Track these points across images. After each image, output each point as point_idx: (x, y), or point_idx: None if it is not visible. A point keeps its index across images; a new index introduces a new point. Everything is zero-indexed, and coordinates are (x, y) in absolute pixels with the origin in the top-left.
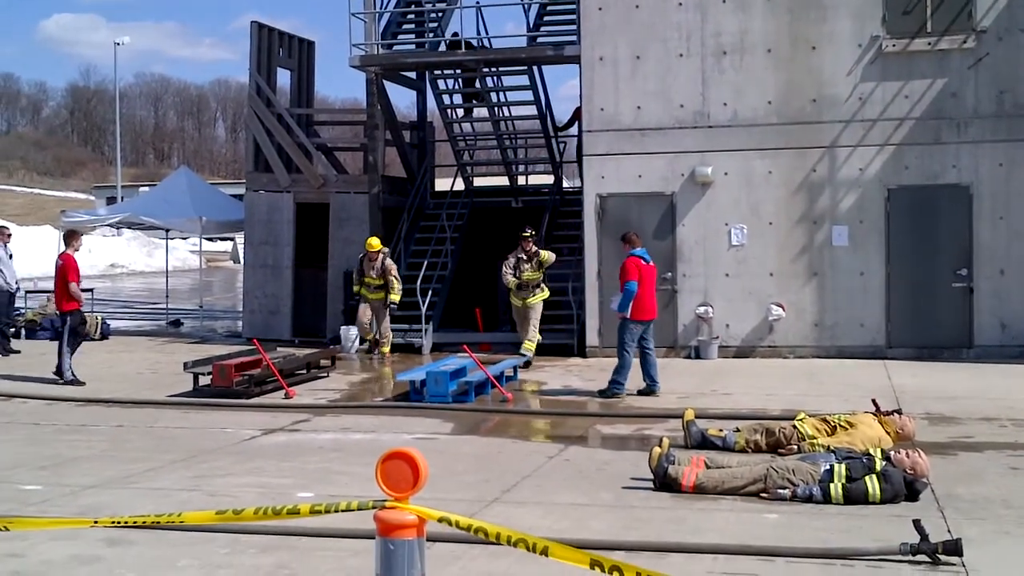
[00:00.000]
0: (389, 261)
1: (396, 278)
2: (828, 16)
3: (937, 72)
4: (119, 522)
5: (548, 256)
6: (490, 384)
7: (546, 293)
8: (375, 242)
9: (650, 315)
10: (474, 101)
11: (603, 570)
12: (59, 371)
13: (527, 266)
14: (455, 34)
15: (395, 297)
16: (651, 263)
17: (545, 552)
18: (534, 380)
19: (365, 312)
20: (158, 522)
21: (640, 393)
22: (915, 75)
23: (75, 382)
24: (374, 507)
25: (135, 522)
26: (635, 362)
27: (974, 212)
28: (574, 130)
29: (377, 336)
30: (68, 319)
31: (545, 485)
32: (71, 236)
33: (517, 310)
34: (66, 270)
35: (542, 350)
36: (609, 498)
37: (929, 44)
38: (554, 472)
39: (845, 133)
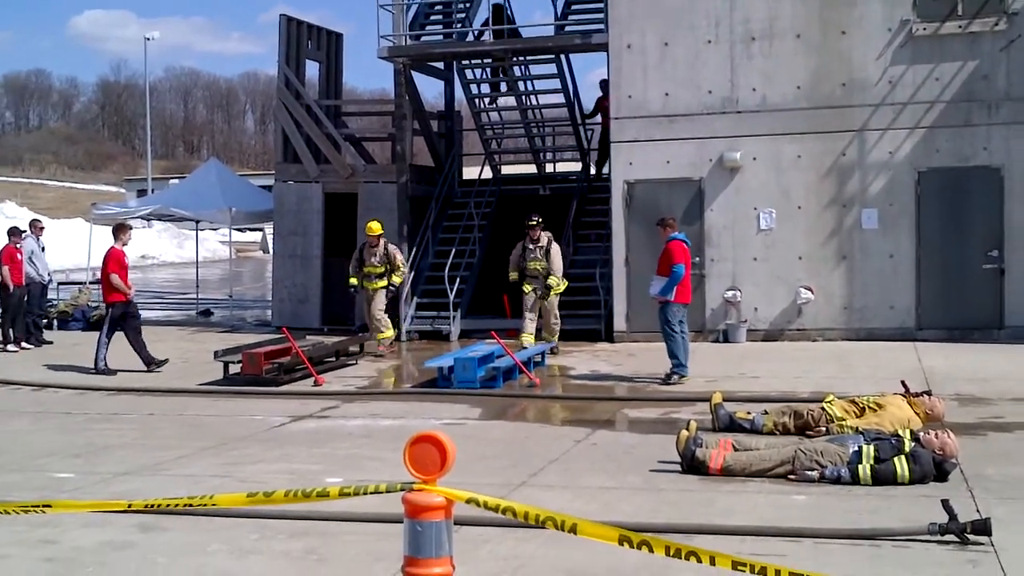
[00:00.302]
0: (392, 246)
1: (402, 263)
2: (858, 0)
3: (968, 55)
4: (152, 505)
5: (556, 281)
6: (518, 370)
7: (562, 287)
8: (376, 226)
9: (689, 298)
10: (502, 79)
11: (632, 545)
12: (93, 361)
13: (533, 256)
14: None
15: (396, 279)
16: (689, 246)
17: (574, 530)
18: (562, 365)
19: (368, 302)
20: (191, 505)
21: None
22: (946, 58)
23: (106, 372)
24: (402, 490)
25: (168, 505)
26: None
27: (1005, 193)
28: (600, 118)
29: (375, 324)
30: (110, 310)
31: (573, 469)
32: (118, 230)
33: (527, 296)
34: (107, 262)
35: (569, 335)
36: (637, 481)
37: (960, 27)
38: (582, 456)
39: (875, 117)
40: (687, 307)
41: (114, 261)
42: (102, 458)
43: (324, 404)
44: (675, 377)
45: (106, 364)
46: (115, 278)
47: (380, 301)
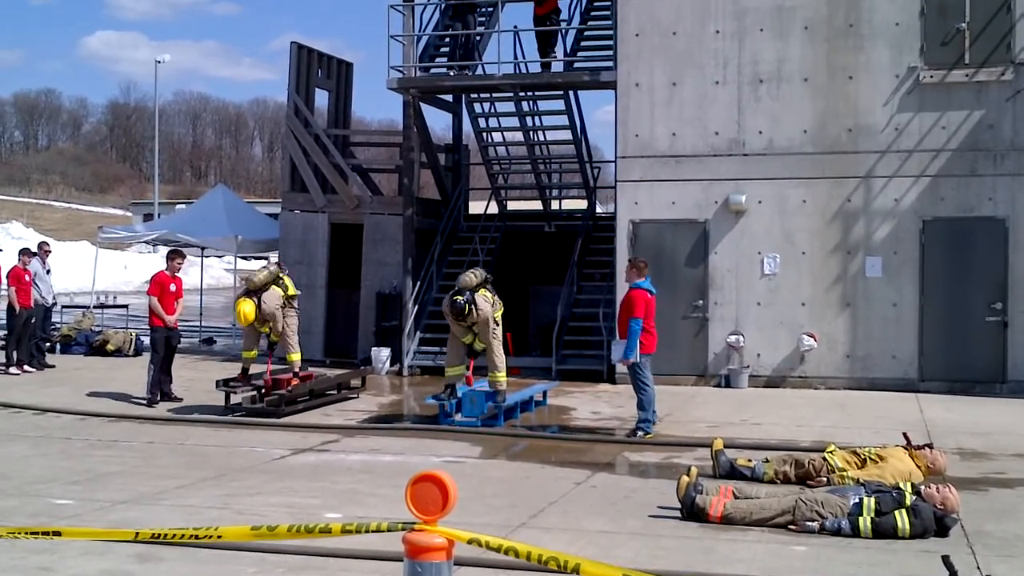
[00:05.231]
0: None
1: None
2: (866, 46)
3: (974, 104)
4: (159, 535)
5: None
6: (519, 408)
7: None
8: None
9: (654, 348)
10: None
11: None
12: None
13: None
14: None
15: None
16: (655, 295)
17: (576, 570)
18: (563, 406)
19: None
20: (196, 536)
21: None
22: (952, 106)
23: (151, 401)
24: (403, 529)
25: (173, 535)
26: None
27: (1010, 245)
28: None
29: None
30: (151, 335)
31: (572, 511)
32: (169, 256)
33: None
34: (149, 284)
35: (571, 376)
36: (636, 526)
37: (967, 76)
38: (581, 498)
39: (881, 163)
40: (651, 356)
41: (154, 283)
42: (102, 485)
43: (324, 437)
44: (639, 433)
45: (154, 393)
46: (151, 300)
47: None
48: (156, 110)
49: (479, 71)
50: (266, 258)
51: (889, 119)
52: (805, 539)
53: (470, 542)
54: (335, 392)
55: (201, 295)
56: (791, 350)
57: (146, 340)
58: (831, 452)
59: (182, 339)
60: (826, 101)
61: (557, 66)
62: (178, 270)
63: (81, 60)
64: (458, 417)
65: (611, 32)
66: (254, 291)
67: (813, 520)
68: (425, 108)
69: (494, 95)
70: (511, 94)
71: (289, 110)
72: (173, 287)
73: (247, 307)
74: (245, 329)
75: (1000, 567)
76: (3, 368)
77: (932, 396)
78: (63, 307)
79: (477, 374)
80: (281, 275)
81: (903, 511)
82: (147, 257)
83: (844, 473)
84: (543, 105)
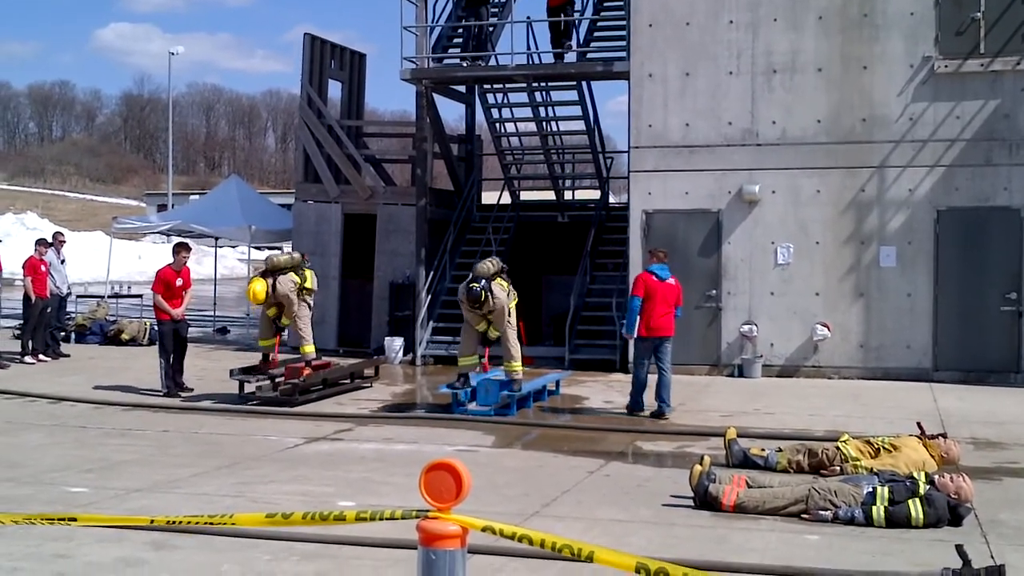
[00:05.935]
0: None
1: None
2: (880, 36)
3: (989, 93)
4: (174, 522)
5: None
6: (533, 398)
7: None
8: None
9: (661, 332)
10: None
11: (649, 574)
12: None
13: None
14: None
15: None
16: (667, 280)
17: (591, 557)
18: (576, 395)
19: None
20: (211, 523)
21: (652, 415)
22: (967, 96)
23: (168, 392)
24: (417, 516)
25: (188, 522)
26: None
27: None
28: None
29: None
30: (158, 328)
31: (585, 500)
32: (174, 249)
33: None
34: (154, 281)
35: (584, 365)
36: (649, 515)
37: (982, 65)
38: (594, 487)
39: (895, 153)
40: (662, 342)
41: (157, 280)
42: (116, 474)
43: (338, 426)
44: (630, 413)
45: (165, 385)
46: (155, 297)
47: None
48: (170, 101)
49: (492, 62)
50: (279, 248)
51: (903, 109)
52: (818, 528)
53: (484, 530)
54: (348, 381)
55: (215, 285)
56: (804, 340)
57: None
58: (845, 441)
59: (196, 328)
60: (840, 91)
61: (570, 57)
62: (184, 263)
63: (95, 52)
64: (472, 406)
65: (624, 23)
66: (272, 271)
67: (826, 509)
68: (438, 99)
69: (507, 86)
70: (524, 85)
71: (302, 101)
72: (179, 281)
73: (258, 285)
74: (261, 317)
75: (1014, 556)
76: (19, 357)
77: (946, 386)
78: (78, 297)
79: (492, 362)
80: (303, 266)
81: (917, 500)
82: (161, 247)
83: (858, 462)
84: (556, 96)
